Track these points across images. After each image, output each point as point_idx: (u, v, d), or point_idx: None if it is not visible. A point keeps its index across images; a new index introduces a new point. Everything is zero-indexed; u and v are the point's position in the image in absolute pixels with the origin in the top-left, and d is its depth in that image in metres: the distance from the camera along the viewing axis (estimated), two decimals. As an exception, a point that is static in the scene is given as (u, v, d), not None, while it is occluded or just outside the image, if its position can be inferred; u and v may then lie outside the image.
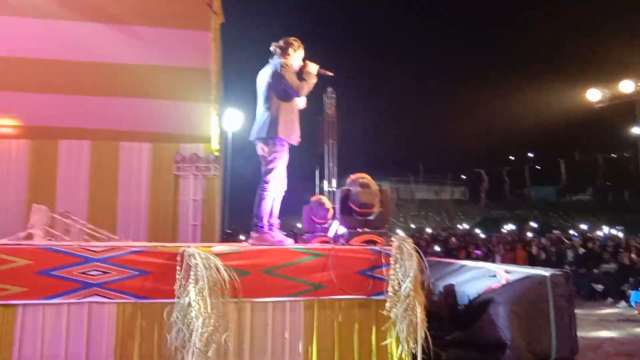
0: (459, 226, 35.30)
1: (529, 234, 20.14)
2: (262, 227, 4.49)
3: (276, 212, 4.65)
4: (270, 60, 4.70)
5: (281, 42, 4.66)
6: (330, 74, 4.78)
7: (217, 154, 9.03)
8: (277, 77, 4.48)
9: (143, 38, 7.18)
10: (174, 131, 8.77)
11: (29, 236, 5.34)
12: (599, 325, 8.79)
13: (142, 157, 8.91)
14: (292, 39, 4.67)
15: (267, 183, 4.51)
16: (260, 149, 4.62)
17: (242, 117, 20.01)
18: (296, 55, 4.66)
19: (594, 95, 15.31)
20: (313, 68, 4.63)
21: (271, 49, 4.68)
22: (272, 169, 4.51)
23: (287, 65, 4.51)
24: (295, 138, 4.62)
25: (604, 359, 6.43)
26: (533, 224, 30.67)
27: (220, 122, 9.45)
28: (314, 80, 4.61)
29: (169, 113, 8.30)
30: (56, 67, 7.40)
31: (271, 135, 4.49)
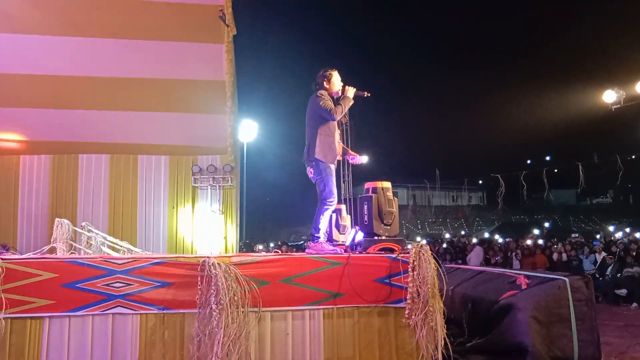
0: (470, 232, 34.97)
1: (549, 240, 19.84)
2: (319, 238, 4.78)
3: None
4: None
5: (317, 79, 5.05)
6: (367, 94, 5.09)
7: (233, 165, 9.14)
8: (314, 106, 4.89)
9: (158, 52, 7.31)
10: (191, 143, 8.92)
11: (53, 250, 5.45)
12: (624, 330, 8.62)
13: (160, 169, 9.07)
14: (322, 72, 5.03)
15: (324, 201, 4.83)
16: (308, 171, 4.97)
17: (257, 127, 20.18)
18: (333, 82, 5.02)
19: (609, 96, 15.13)
20: (350, 92, 4.96)
21: (312, 86, 5.07)
22: (322, 189, 4.83)
23: (321, 94, 4.88)
24: (332, 158, 4.92)
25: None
26: (553, 228, 30.26)
27: (235, 133, 9.58)
28: (350, 103, 4.95)
29: (185, 126, 8.44)
30: (74, 83, 7.58)
31: (310, 158, 4.85)
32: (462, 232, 34.26)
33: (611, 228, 29.03)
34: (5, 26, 6.63)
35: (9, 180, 8.90)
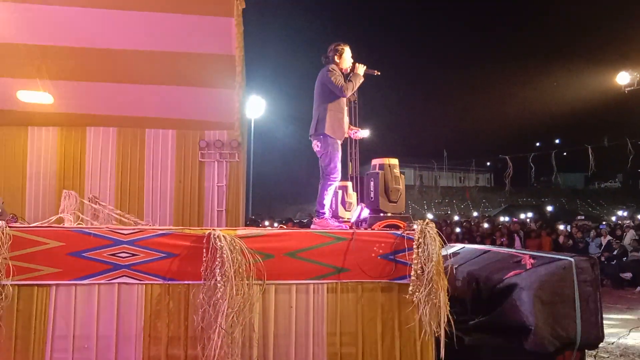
0: (475, 214, 34.90)
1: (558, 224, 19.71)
2: (324, 214, 4.83)
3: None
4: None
5: (328, 52, 5.00)
6: (377, 73, 5.05)
7: (239, 140, 9.11)
8: (325, 80, 4.85)
9: (167, 25, 7.23)
10: (198, 118, 8.87)
11: (60, 220, 5.49)
12: (627, 313, 8.67)
13: (167, 143, 9.07)
14: (334, 46, 4.98)
15: (327, 176, 4.85)
16: (315, 145, 4.96)
17: (264, 103, 20.14)
18: (344, 58, 4.98)
19: (623, 78, 14.90)
20: (360, 69, 4.93)
21: (322, 59, 5.02)
22: (328, 164, 4.84)
23: (332, 69, 4.85)
24: (341, 134, 4.93)
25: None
26: (559, 211, 30.14)
27: (243, 108, 9.53)
28: (360, 80, 4.92)
29: (193, 100, 8.39)
30: (83, 54, 7.51)
31: (319, 132, 4.85)
32: (475, 214, 34.15)
33: (618, 213, 28.80)
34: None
35: (17, 151, 8.93)
